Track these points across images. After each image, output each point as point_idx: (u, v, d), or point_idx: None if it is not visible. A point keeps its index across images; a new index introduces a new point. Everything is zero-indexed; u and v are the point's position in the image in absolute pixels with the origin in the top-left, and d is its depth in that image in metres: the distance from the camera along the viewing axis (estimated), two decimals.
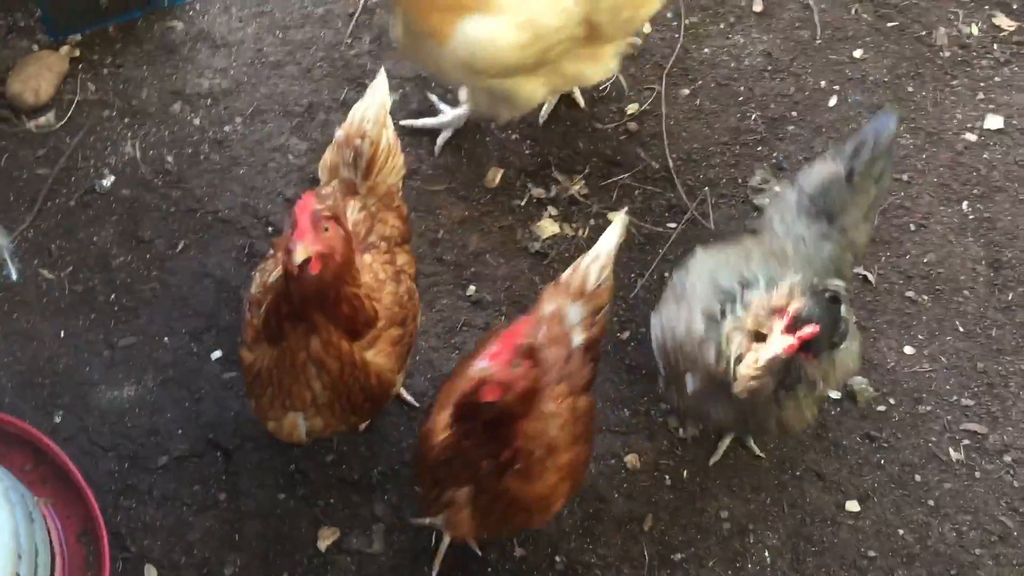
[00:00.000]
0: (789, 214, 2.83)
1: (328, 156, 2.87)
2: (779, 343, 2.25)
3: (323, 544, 3.00)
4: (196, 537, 2.99)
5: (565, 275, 2.75)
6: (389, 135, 2.81)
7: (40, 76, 3.62)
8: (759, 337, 2.36)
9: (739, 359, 2.42)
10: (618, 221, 2.78)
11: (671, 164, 3.64)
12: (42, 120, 3.61)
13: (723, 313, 2.52)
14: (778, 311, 2.30)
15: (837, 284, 2.46)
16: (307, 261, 2.25)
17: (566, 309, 2.68)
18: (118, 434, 3.11)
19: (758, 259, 2.67)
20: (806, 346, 2.24)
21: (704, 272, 2.70)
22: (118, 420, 3.13)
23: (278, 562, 2.98)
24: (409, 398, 3.17)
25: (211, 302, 3.30)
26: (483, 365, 2.12)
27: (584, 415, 2.60)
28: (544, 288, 2.79)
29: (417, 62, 3.22)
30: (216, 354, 3.23)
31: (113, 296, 3.31)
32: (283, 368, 2.49)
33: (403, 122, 3.58)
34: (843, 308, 2.39)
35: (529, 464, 2.37)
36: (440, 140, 3.62)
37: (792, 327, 2.24)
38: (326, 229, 2.28)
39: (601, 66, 3.31)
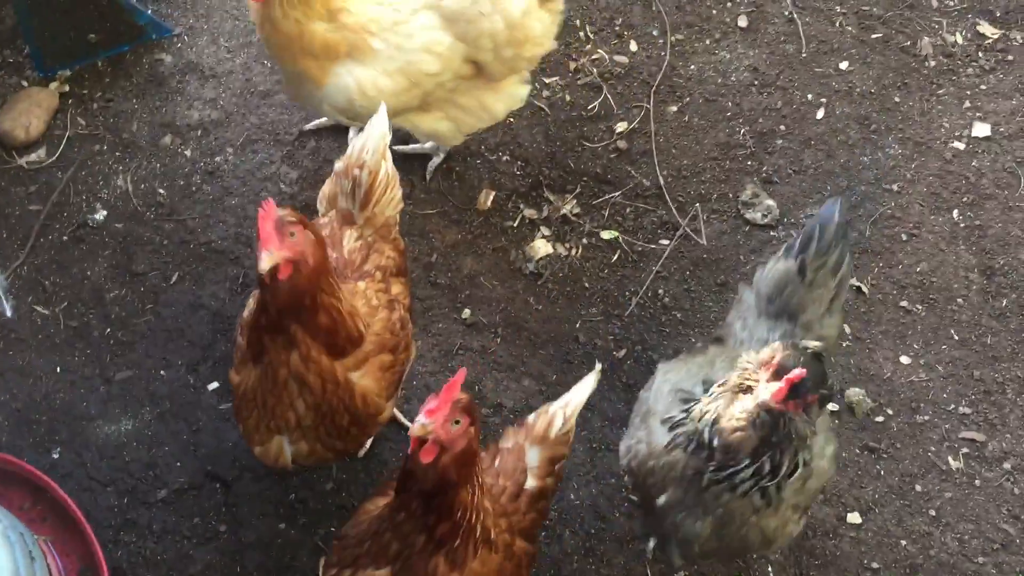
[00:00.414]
0: (750, 317, 2.69)
1: (327, 187, 2.89)
2: (767, 389, 2.17)
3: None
4: (197, 570, 2.98)
5: (531, 417, 2.70)
6: (388, 166, 2.83)
7: (30, 112, 3.64)
8: (746, 391, 2.29)
9: (716, 421, 2.32)
10: (592, 375, 2.75)
11: (662, 181, 3.65)
12: (33, 156, 3.62)
13: (687, 412, 2.42)
14: (765, 364, 2.24)
15: (814, 344, 2.36)
16: (276, 268, 2.25)
17: (525, 448, 2.62)
18: (116, 469, 3.10)
19: (722, 366, 2.55)
20: (794, 393, 2.15)
21: (665, 384, 2.62)
22: (116, 455, 3.12)
23: None
24: (406, 422, 3.17)
25: (207, 333, 3.30)
26: (423, 421, 2.06)
27: (517, 560, 2.48)
28: (509, 426, 2.74)
29: (300, 102, 3.22)
30: (212, 385, 3.23)
31: (108, 330, 3.31)
32: (266, 386, 2.50)
33: (393, 147, 3.59)
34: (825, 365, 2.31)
35: (465, 545, 2.27)
36: (431, 165, 3.63)
37: (778, 375, 2.18)
38: (292, 234, 2.27)
39: (505, 96, 3.31)
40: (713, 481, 2.35)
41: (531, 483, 2.57)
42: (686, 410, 2.42)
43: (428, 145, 3.62)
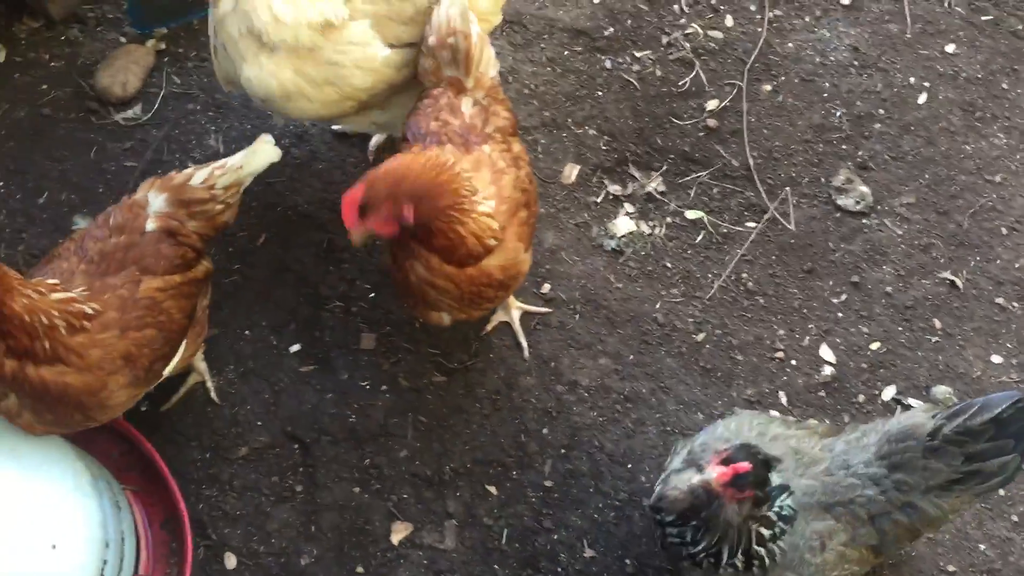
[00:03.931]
0: (868, 439, 2.60)
1: (426, 63, 2.93)
2: (712, 470, 2.36)
3: (396, 538, 3.05)
4: (274, 527, 3.06)
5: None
6: (475, 28, 2.88)
7: (127, 69, 3.71)
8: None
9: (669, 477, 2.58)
10: (263, 145, 2.92)
11: (751, 162, 3.57)
12: (129, 113, 3.69)
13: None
14: (718, 452, 2.41)
15: (774, 456, 2.45)
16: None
17: (148, 198, 2.77)
18: (200, 424, 3.18)
19: (784, 447, 2.58)
20: (734, 481, 2.33)
21: (731, 430, 2.69)
22: (200, 410, 3.21)
23: (353, 554, 3.04)
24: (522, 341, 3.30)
25: (291, 296, 3.35)
26: None
27: (154, 298, 2.62)
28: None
29: (224, 82, 3.14)
30: (295, 347, 3.29)
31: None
32: (408, 286, 2.73)
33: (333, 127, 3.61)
34: (774, 475, 2.43)
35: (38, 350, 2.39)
36: (372, 143, 3.57)
37: (726, 463, 2.35)
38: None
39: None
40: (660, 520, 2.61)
41: (151, 225, 2.72)
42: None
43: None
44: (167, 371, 2.83)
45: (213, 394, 3.18)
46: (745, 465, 2.32)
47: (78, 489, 2.57)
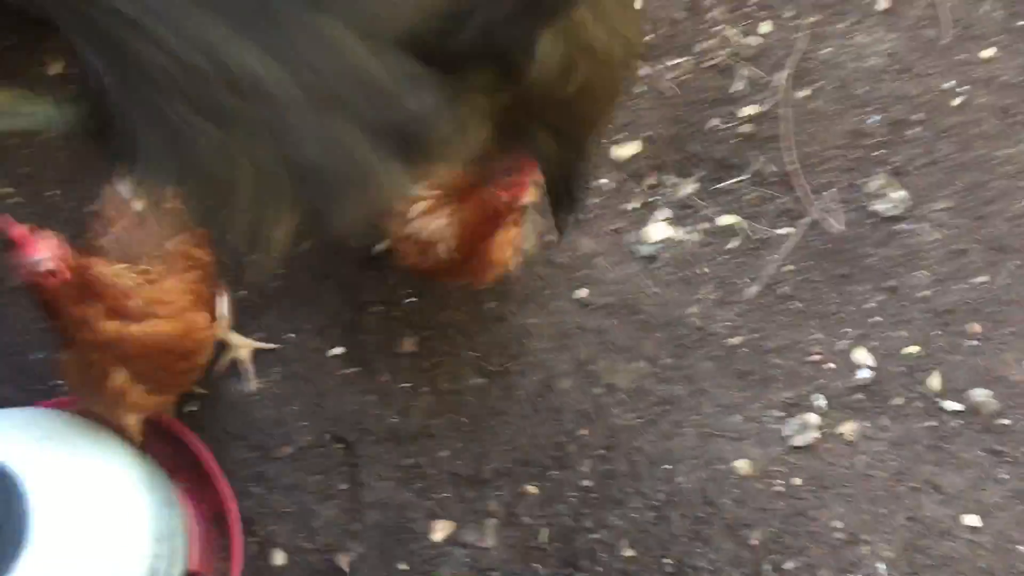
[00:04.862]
0: None
1: None
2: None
3: (438, 536, 3.11)
4: (319, 524, 3.14)
5: None
6: None
7: None
8: None
9: None
10: None
11: (788, 168, 3.60)
12: None
13: None
14: None
15: None
16: None
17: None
18: (247, 424, 3.28)
19: None
20: None
21: None
22: (247, 411, 3.30)
23: (395, 551, 3.11)
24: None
25: (334, 301, 3.43)
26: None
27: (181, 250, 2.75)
28: None
29: None
30: (337, 351, 3.37)
31: (243, 293, 3.47)
32: None
33: None
34: None
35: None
36: None
37: None
38: None
39: None
40: None
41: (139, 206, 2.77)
42: None
43: None
44: (221, 310, 3.06)
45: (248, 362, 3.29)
46: None
47: (133, 484, 2.66)
